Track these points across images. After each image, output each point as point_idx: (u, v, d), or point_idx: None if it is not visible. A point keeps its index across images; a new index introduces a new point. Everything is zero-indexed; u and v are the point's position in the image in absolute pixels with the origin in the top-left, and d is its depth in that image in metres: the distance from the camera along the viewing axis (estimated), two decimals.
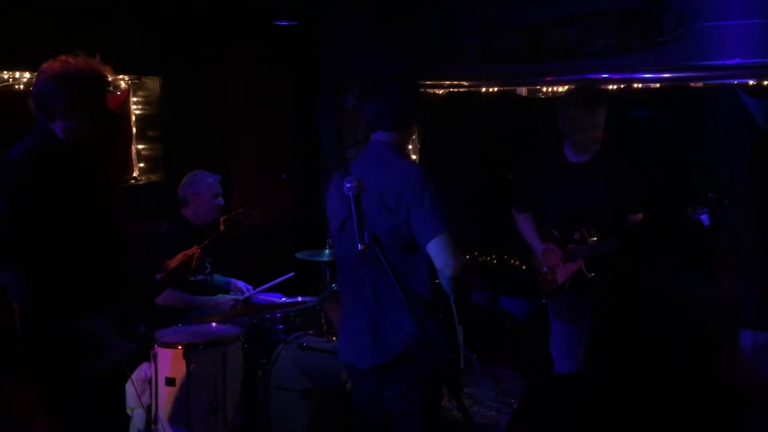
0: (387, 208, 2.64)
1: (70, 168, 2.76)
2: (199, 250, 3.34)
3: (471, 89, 5.67)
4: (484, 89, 5.60)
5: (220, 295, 4.42)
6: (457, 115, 5.72)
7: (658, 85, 4.77)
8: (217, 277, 4.56)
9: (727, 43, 4.33)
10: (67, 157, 2.75)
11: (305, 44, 5.99)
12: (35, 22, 4.18)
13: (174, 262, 3.33)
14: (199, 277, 4.34)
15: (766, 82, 4.41)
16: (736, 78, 4.47)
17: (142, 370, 3.82)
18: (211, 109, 5.33)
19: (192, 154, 5.05)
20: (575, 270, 3.78)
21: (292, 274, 4.67)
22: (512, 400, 4.74)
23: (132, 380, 3.49)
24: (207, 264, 4.41)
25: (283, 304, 4.37)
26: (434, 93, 5.85)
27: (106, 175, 3.04)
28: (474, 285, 5.44)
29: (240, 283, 4.60)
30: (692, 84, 4.72)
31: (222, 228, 3.61)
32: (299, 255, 4.63)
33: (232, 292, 4.55)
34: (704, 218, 3.39)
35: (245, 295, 4.54)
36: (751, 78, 4.43)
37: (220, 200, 4.41)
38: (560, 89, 5.32)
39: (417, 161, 5.80)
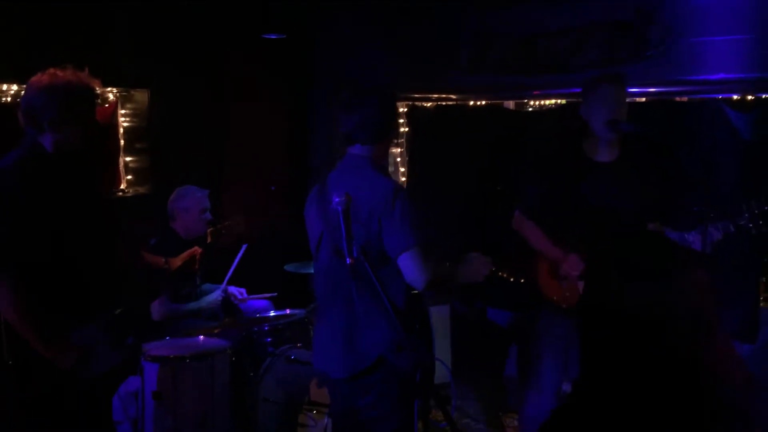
0: (360, 222, 2.63)
1: (63, 177, 2.77)
2: (200, 250, 3.40)
3: (459, 102, 5.70)
4: (472, 102, 5.64)
5: (206, 297, 4.38)
6: (446, 127, 5.75)
7: (644, 99, 4.82)
8: (207, 287, 4.54)
9: (712, 58, 4.38)
10: (59, 167, 2.77)
11: (298, 57, 6.00)
12: (23, 34, 4.17)
13: (178, 261, 3.37)
14: (187, 290, 4.33)
15: (750, 97, 4.47)
16: (720, 92, 4.52)
17: (129, 384, 3.80)
18: (200, 122, 5.32)
19: (180, 166, 5.04)
20: None
21: (275, 294, 4.70)
22: (500, 413, 4.74)
23: (119, 394, 3.48)
24: (197, 277, 4.39)
25: (272, 317, 4.36)
26: (422, 106, 5.88)
27: (101, 186, 3.06)
28: (460, 296, 5.44)
29: (232, 289, 4.57)
30: (677, 98, 4.78)
31: (209, 240, 3.64)
32: (288, 267, 4.62)
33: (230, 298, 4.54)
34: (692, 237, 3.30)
35: (240, 298, 4.54)
36: (735, 93, 4.49)
37: (208, 215, 4.39)
38: (547, 102, 5.36)
39: (405, 174, 5.83)
